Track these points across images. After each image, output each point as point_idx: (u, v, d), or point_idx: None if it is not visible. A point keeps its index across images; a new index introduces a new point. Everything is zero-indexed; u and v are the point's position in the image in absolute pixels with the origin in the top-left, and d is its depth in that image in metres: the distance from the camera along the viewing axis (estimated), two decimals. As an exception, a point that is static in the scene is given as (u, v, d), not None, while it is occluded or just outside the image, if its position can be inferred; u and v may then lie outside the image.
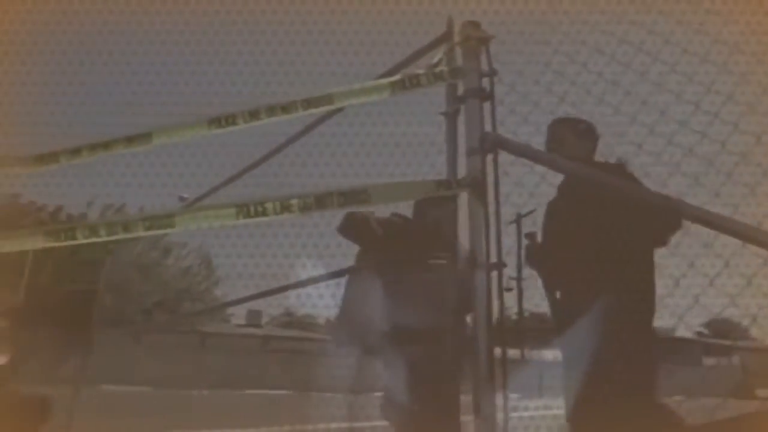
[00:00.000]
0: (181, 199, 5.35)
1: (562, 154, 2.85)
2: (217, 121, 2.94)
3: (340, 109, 3.29)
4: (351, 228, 3.46)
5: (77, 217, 24.58)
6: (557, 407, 3.12)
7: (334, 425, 4.73)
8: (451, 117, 2.92)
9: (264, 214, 2.68)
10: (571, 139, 3.09)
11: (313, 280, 3.66)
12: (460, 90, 2.93)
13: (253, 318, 26.67)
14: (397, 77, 2.95)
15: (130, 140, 2.98)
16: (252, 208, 2.67)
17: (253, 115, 2.94)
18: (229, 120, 2.94)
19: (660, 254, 2.81)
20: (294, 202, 2.65)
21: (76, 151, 2.99)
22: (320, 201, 2.66)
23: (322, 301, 3.83)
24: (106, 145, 2.98)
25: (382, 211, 3.37)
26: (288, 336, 26.48)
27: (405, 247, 3.31)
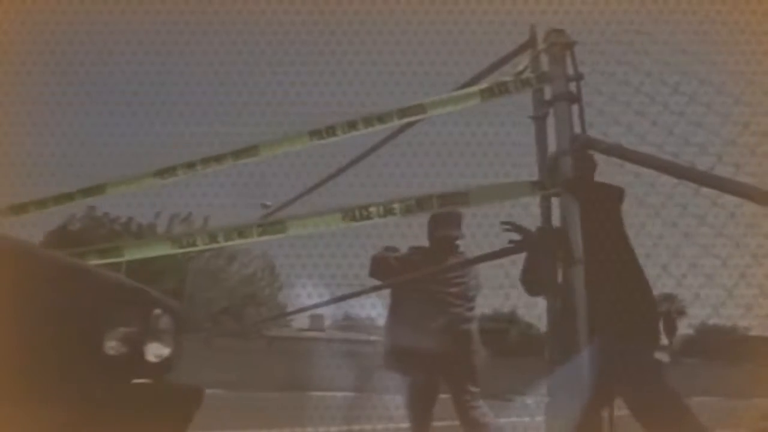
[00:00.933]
0: (264, 206, 5.60)
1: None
2: (318, 133, 3.16)
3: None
4: (377, 271, 4.04)
5: (147, 226, 25.65)
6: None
7: (392, 425, 4.92)
8: (540, 120, 3.06)
9: (368, 217, 2.88)
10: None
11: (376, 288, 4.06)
12: (548, 94, 3.07)
13: (316, 322, 27.16)
14: (485, 85, 3.10)
15: (237, 154, 3.23)
16: (357, 212, 2.87)
17: (352, 125, 3.14)
18: (329, 131, 3.15)
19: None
20: (396, 205, 2.84)
21: (191, 165, 3.25)
22: (421, 203, 2.84)
23: (379, 307, 4.36)
24: (218, 159, 3.23)
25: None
26: (351, 339, 26.83)
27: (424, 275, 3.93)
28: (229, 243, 2.95)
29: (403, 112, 3.10)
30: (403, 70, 3.69)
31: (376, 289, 4.00)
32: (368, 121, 3.12)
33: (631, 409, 2.55)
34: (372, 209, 2.85)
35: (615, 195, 2.87)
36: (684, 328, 32.65)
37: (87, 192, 3.34)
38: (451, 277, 3.97)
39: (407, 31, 3.70)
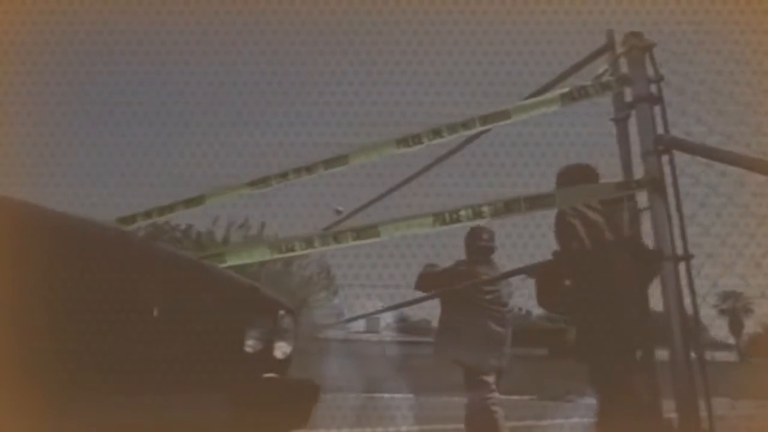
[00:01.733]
0: (337, 212, 5.77)
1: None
2: (404, 141, 3.30)
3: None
4: (423, 286, 4.59)
5: (205, 233, 26.34)
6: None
7: (451, 426, 5.05)
8: (622, 122, 3.13)
9: (458, 220, 3.00)
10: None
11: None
12: (628, 96, 3.14)
13: (371, 324, 27.42)
14: (566, 90, 3.19)
15: (328, 163, 3.40)
16: (447, 216, 3.00)
17: (436, 133, 3.27)
18: (415, 139, 3.29)
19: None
20: (485, 208, 2.96)
21: (284, 175, 3.44)
22: (509, 206, 2.95)
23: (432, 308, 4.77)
24: (309, 169, 3.41)
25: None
26: (405, 341, 26.96)
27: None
28: (326, 248, 3.11)
29: (486, 119, 3.22)
30: (479, 77, 3.78)
31: (424, 299, 4.57)
32: (453, 128, 3.25)
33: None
34: (462, 212, 2.97)
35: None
36: (753, 326, 31.62)
37: (188, 203, 3.56)
38: (485, 285, 4.46)
39: (484, 39, 3.80)
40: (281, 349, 2.17)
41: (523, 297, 3.96)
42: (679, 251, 2.74)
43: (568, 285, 3.12)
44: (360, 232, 3.10)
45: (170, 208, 3.62)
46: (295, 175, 3.43)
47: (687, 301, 2.65)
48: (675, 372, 2.52)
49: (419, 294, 4.65)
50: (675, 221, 2.80)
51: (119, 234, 2.00)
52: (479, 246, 4.53)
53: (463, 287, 4.41)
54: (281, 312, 2.18)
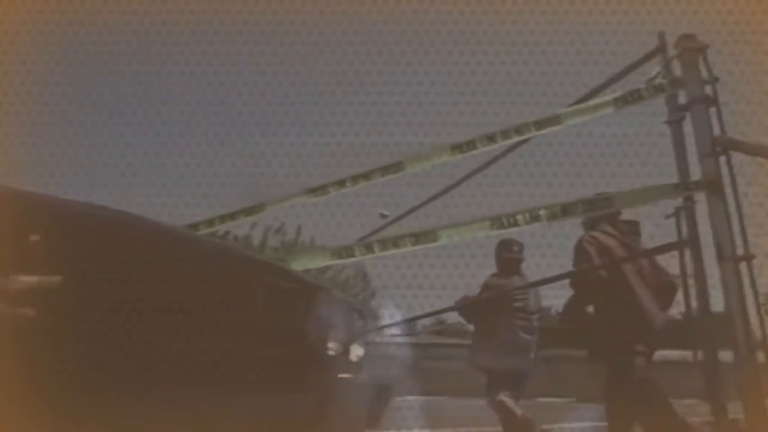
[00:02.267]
0: (382, 216, 5.84)
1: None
2: (459, 147, 3.37)
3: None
4: (464, 313, 5.00)
5: (243, 238, 26.73)
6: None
7: (486, 429, 5.13)
8: (676, 124, 3.16)
9: (515, 224, 3.07)
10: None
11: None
12: (683, 99, 3.17)
13: (409, 327, 27.51)
14: (619, 93, 3.23)
15: (385, 170, 3.48)
16: (504, 220, 3.07)
17: (490, 138, 3.34)
18: (469, 145, 3.36)
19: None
20: (542, 212, 3.02)
21: (341, 183, 3.54)
22: (566, 210, 3.01)
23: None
24: (366, 176, 3.50)
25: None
26: (443, 343, 26.93)
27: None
28: (384, 253, 3.21)
29: (539, 124, 3.27)
30: (529, 82, 3.83)
31: (458, 307, 4.81)
32: (506, 134, 3.31)
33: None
34: (519, 216, 3.04)
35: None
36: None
37: (248, 211, 3.69)
38: (514, 294, 4.73)
39: (534, 44, 3.84)
40: (356, 352, 2.27)
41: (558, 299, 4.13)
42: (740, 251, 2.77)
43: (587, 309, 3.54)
44: (419, 237, 3.18)
45: (231, 216, 3.74)
46: (353, 183, 3.52)
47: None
48: (740, 373, 2.55)
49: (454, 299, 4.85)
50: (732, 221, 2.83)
51: (217, 242, 2.11)
52: (509, 257, 4.76)
53: (495, 297, 4.74)
54: (356, 316, 2.28)
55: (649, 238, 3.54)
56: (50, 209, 1.29)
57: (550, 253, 3.49)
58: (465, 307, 4.87)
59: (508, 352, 4.60)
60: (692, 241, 2.96)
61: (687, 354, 3.21)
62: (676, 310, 3.53)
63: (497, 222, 3.07)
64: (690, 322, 3.23)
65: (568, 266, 3.51)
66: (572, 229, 3.55)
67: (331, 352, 2.07)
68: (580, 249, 3.42)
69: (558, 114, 3.28)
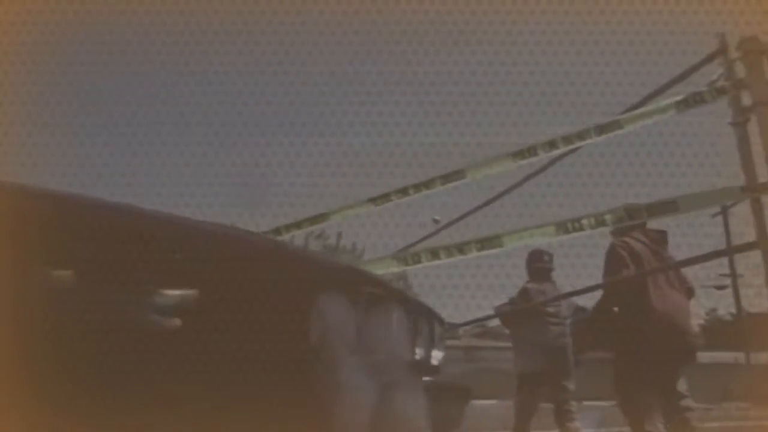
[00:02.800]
0: (435, 221, 5.92)
1: None
2: (520, 154, 3.43)
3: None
4: (504, 320, 5.42)
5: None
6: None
7: None
8: (741, 126, 3.16)
9: (580, 229, 3.11)
10: None
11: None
12: (747, 100, 3.17)
13: (453, 331, 27.48)
14: (681, 96, 3.25)
15: (446, 177, 3.56)
16: (569, 225, 3.11)
17: (552, 144, 3.39)
18: (531, 151, 3.42)
19: None
20: (607, 216, 3.06)
21: (403, 191, 3.63)
22: (631, 213, 3.04)
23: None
24: (427, 184, 3.59)
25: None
26: (484, 346, 26.82)
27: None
28: (450, 259, 3.28)
29: (601, 129, 3.31)
30: (587, 86, 3.86)
31: (495, 316, 5.30)
32: (568, 140, 3.36)
33: None
34: (584, 221, 3.08)
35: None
36: None
37: (313, 220, 3.81)
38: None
39: (594, 48, 3.86)
40: (437, 357, 2.35)
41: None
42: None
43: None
44: (483, 243, 3.25)
45: (297, 225, 3.87)
46: (415, 191, 3.61)
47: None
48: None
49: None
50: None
51: (315, 253, 2.21)
52: (540, 267, 4.98)
53: (531, 306, 4.96)
54: (436, 320, 2.36)
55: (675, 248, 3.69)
56: (191, 230, 1.41)
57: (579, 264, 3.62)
58: (504, 314, 5.23)
59: (545, 356, 4.79)
60: (762, 243, 2.96)
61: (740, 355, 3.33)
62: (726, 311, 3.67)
63: (562, 227, 3.12)
64: (740, 323, 3.29)
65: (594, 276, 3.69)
66: (588, 239, 3.64)
67: (417, 357, 2.15)
68: (612, 253, 3.49)
69: (618, 119, 3.31)
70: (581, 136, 3.34)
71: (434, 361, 2.37)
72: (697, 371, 3.78)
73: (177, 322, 1.21)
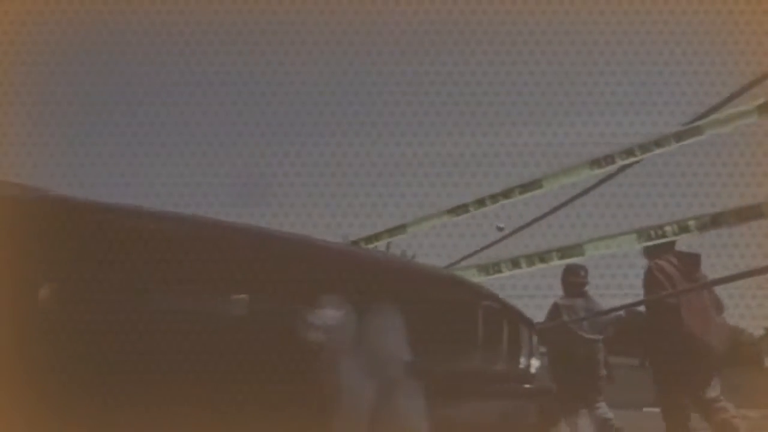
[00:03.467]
0: (499, 228, 5.95)
1: None
2: (597, 163, 3.47)
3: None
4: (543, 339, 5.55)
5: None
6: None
7: None
8: (825, 130, 3.14)
9: (663, 236, 3.14)
10: None
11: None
12: (831, 103, 3.15)
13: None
14: (762, 101, 3.24)
15: (524, 187, 3.62)
16: (652, 232, 3.14)
17: (629, 153, 3.42)
18: (608, 160, 3.45)
19: None
20: (691, 223, 3.07)
21: (480, 202, 3.71)
22: (716, 220, 3.05)
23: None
24: (505, 194, 3.66)
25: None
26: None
27: None
28: (531, 269, 3.35)
29: (679, 136, 3.32)
30: (664, 92, 3.85)
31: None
32: (645, 147, 3.38)
33: None
34: (667, 228, 3.11)
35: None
36: None
37: (392, 232, 3.93)
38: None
39: (668, 50, 3.84)
40: (534, 364, 2.43)
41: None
42: None
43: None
44: (564, 251, 3.31)
45: (376, 237, 3.99)
46: (492, 201, 3.68)
47: None
48: None
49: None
50: None
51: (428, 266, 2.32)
52: (575, 281, 5.14)
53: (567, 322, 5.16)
54: (531, 328, 2.44)
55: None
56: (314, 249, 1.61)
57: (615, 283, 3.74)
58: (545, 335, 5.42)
59: (575, 372, 4.94)
60: None
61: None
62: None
63: (644, 234, 3.15)
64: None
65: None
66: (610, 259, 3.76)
67: (521, 366, 2.24)
68: (650, 277, 3.86)
69: (698, 125, 3.32)
70: (659, 143, 3.36)
71: (533, 369, 2.45)
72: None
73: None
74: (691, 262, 3.88)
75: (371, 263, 1.98)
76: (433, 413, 1.73)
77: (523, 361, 2.26)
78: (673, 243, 3.76)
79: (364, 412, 1.44)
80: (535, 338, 2.50)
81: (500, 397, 2.09)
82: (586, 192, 4.51)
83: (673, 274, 3.82)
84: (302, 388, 1.38)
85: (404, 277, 1.93)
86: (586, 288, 5.22)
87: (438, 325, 1.83)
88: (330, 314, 1.45)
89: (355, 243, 3.98)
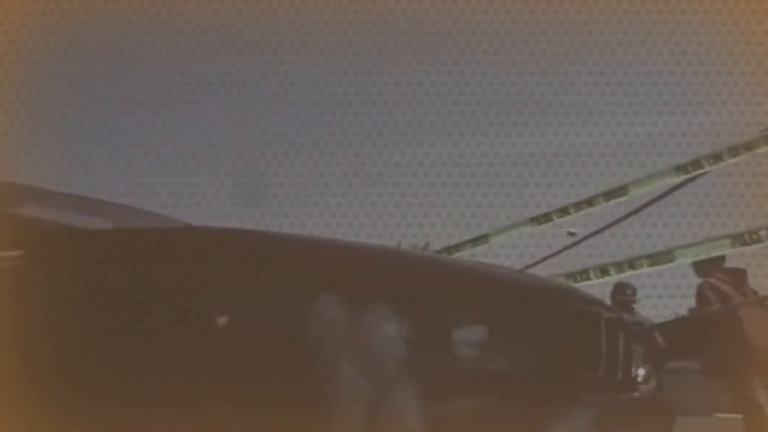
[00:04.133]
0: (570, 233, 5.95)
1: None
2: (683, 168, 3.46)
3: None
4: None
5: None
6: None
7: None
8: None
9: (758, 241, 3.11)
10: None
11: None
12: None
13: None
14: None
15: (608, 194, 3.64)
16: (747, 237, 3.12)
17: (717, 157, 3.39)
18: (695, 165, 3.44)
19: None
20: (788, 227, 3.04)
21: (564, 210, 3.74)
22: (813, 223, 3.02)
23: None
24: (589, 202, 3.67)
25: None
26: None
27: None
28: (621, 275, 3.36)
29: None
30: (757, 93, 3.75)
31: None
32: (734, 151, 3.35)
33: None
34: (762, 232, 3.08)
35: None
36: None
37: (474, 242, 3.98)
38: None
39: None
40: (642, 374, 2.46)
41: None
42: None
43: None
44: (654, 258, 3.31)
45: (456, 247, 4.05)
46: (576, 209, 3.70)
47: None
48: None
49: None
50: None
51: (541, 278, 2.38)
52: (623, 299, 5.12)
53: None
54: (639, 339, 2.47)
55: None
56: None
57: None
58: None
59: None
60: None
61: None
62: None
63: (739, 239, 3.13)
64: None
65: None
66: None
67: (639, 379, 2.28)
68: (701, 294, 3.95)
69: (791, 126, 3.28)
70: (748, 147, 3.33)
71: (640, 379, 2.48)
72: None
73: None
74: (739, 277, 4.01)
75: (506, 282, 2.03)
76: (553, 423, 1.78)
77: (636, 371, 2.30)
78: (723, 259, 3.89)
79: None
80: (642, 349, 2.53)
81: (616, 405, 2.13)
82: (663, 196, 4.48)
83: (725, 290, 3.94)
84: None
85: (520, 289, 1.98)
86: (634, 306, 5.27)
87: (560, 336, 1.88)
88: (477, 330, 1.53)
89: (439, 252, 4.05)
